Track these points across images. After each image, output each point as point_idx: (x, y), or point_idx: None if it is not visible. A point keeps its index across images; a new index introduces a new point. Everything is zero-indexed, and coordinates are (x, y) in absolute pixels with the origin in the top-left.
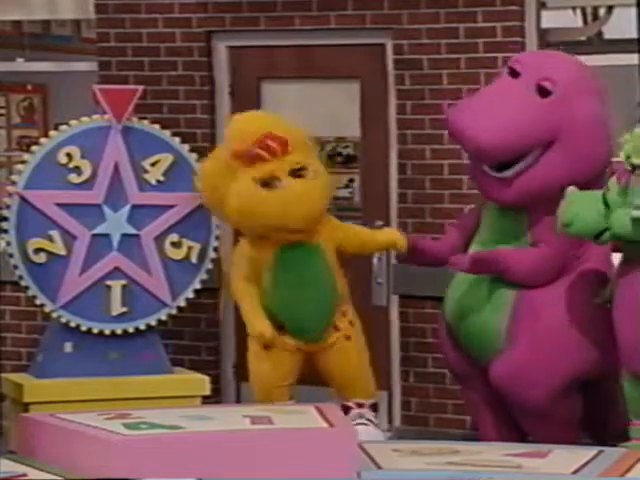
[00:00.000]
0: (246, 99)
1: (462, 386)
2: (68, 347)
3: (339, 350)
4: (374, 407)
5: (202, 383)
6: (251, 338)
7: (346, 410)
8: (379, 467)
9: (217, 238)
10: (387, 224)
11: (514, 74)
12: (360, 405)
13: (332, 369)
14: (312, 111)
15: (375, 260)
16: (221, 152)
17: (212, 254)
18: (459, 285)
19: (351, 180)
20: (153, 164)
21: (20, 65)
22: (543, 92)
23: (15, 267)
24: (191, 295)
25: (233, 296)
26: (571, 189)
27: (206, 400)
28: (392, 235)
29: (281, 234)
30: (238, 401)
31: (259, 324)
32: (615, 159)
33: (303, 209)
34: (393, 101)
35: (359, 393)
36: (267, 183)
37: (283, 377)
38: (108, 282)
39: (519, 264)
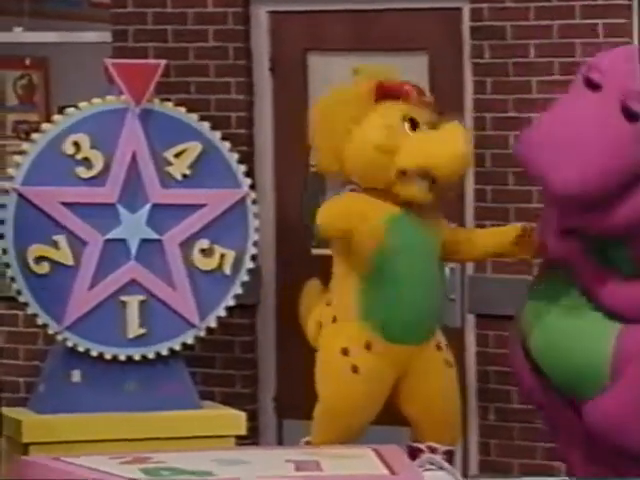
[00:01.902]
0: (290, 75)
1: (548, 424)
2: (76, 376)
3: (436, 374)
4: (449, 455)
5: (236, 420)
6: (327, 351)
7: (414, 454)
8: None
9: (255, 244)
10: (462, 226)
11: (592, 86)
12: (433, 450)
13: (420, 397)
14: None
15: (447, 271)
16: (346, 89)
17: (249, 264)
18: (546, 307)
19: None
20: (178, 155)
21: (18, 35)
22: (630, 113)
23: (12, 279)
24: (223, 313)
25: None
26: None
27: (241, 441)
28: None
29: (411, 187)
30: (280, 442)
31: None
32: None
33: (450, 151)
34: (469, 78)
35: (440, 434)
36: (415, 124)
37: (372, 406)
38: (124, 297)
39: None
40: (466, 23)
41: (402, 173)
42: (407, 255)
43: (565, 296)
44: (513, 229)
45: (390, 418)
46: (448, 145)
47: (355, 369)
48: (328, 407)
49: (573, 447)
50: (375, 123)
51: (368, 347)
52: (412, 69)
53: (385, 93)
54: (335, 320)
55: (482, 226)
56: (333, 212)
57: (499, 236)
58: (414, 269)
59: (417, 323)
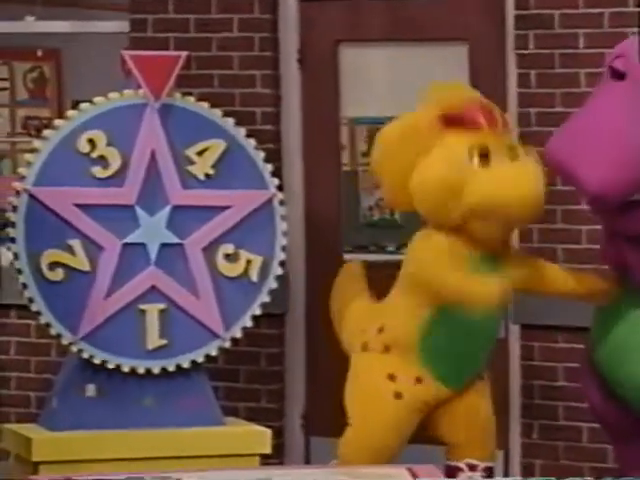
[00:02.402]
0: (320, 68)
1: (616, 443)
2: (90, 390)
3: (474, 391)
4: (489, 472)
5: (261, 437)
6: (370, 374)
7: (452, 473)
8: None
9: (284, 249)
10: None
11: (618, 75)
12: (472, 467)
13: (457, 414)
14: (406, 84)
15: None
16: (411, 117)
17: (277, 270)
18: (611, 319)
19: None
20: (200, 153)
21: (29, 25)
22: None
23: (24, 286)
24: (249, 323)
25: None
26: None
27: (266, 460)
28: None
29: (483, 226)
30: (307, 461)
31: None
32: None
33: (523, 193)
34: (513, 70)
35: (477, 451)
36: (485, 156)
37: (406, 434)
38: (143, 306)
39: None
40: (510, 11)
41: (471, 212)
42: None
43: (631, 306)
44: (590, 280)
45: (421, 437)
46: (518, 186)
47: (398, 395)
48: (362, 430)
49: None
50: (439, 156)
51: (418, 381)
52: (451, 61)
53: (451, 122)
54: (388, 350)
55: (528, 230)
56: (429, 258)
57: (573, 283)
58: (487, 318)
59: (473, 369)
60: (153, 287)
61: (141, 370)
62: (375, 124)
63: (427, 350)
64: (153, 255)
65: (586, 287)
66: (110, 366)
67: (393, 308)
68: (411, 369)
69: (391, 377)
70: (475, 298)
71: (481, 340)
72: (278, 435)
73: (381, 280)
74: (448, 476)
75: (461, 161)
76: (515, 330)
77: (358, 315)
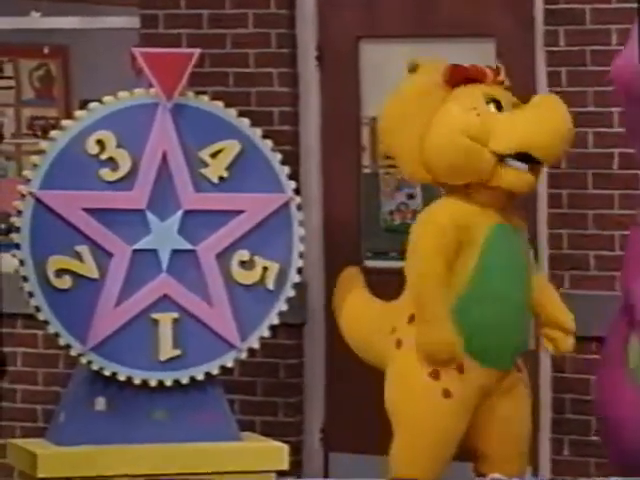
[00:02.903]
0: (340, 66)
1: None
2: (100, 403)
3: (515, 398)
4: None
5: (278, 453)
6: (411, 374)
7: None
8: None
9: (301, 256)
10: (534, 236)
11: None
12: None
13: (496, 422)
14: None
15: None
16: (414, 83)
17: (295, 277)
18: None
19: None
20: (214, 155)
21: (35, 21)
22: None
23: (30, 295)
24: (266, 333)
25: (416, 280)
26: None
27: (284, 477)
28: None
29: (515, 173)
30: (326, 479)
31: (445, 330)
32: None
33: (555, 127)
34: (542, 68)
35: (510, 464)
36: (499, 105)
37: (460, 435)
38: (155, 315)
39: None
40: (539, 6)
41: (499, 159)
42: (506, 273)
43: None
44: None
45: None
46: (547, 121)
47: (447, 394)
48: (414, 437)
49: None
50: (455, 107)
51: (460, 369)
52: (477, 58)
53: (460, 77)
54: None
55: (557, 236)
56: (434, 227)
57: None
58: (512, 287)
59: (512, 345)
60: (165, 295)
61: (153, 382)
62: None
63: (463, 331)
64: (165, 262)
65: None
66: (121, 378)
67: None
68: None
69: (434, 374)
70: (422, 346)
71: (516, 308)
72: (296, 451)
73: (402, 288)
74: None
75: (480, 106)
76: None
77: (379, 315)
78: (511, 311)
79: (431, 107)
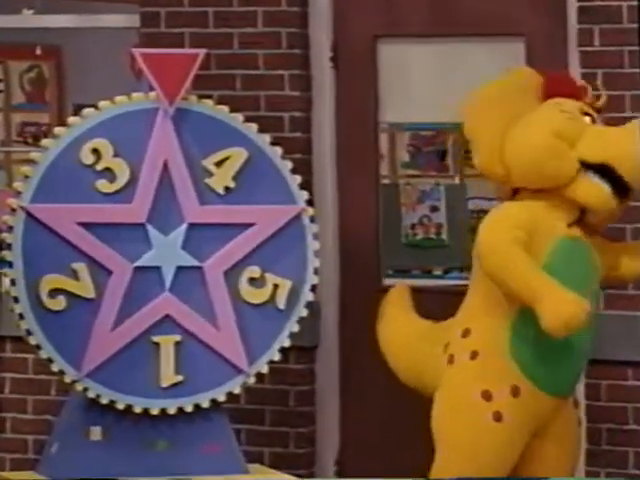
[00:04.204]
0: (356, 67)
1: None
2: (96, 433)
3: (569, 436)
4: None
5: None
6: (463, 393)
7: None
8: None
9: (315, 272)
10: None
11: None
12: None
13: (548, 459)
14: (453, 84)
15: None
16: (511, 78)
17: (308, 296)
18: None
19: None
20: (219, 164)
21: (27, 19)
22: None
23: (21, 317)
24: (276, 357)
25: (496, 269)
26: None
27: None
28: None
29: (594, 186)
30: None
31: (567, 297)
32: None
33: (633, 149)
34: (576, 69)
35: None
36: (593, 120)
37: (511, 461)
38: (156, 337)
39: None
40: (572, 2)
41: (582, 168)
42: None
43: None
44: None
45: None
46: (632, 142)
47: (498, 417)
48: (456, 460)
49: None
50: (551, 110)
51: (515, 392)
52: (505, 59)
53: (556, 90)
54: (476, 356)
55: None
56: (509, 221)
57: None
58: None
59: (571, 371)
60: (167, 316)
61: (155, 410)
62: (418, 130)
63: (520, 349)
64: (168, 280)
65: None
66: (119, 406)
67: (473, 308)
68: (507, 377)
69: (486, 395)
70: (552, 316)
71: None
72: None
73: (427, 308)
74: None
75: (576, 113)
76: None
77: (429, 334)
78: (574, 334)
79: (523, 106)
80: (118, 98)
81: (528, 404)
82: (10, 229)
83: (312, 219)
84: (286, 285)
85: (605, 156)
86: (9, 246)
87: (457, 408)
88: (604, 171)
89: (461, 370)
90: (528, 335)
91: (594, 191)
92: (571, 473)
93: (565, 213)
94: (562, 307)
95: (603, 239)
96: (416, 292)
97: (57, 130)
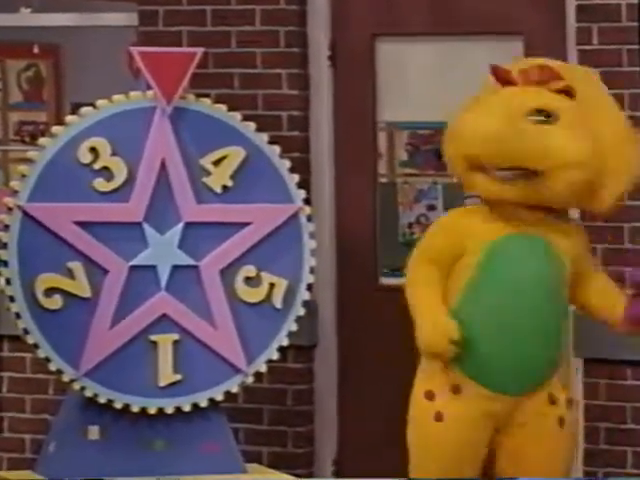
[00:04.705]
0: (354, 66)
1: None
2: (94, 432)
3: (546, 435)
4: None
5: None
6: (415, 393)
7: None
8: None
9: (312, 271)
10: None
11: None
12: None
13: (525, 461)
14: (453, 83)
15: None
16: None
17: (304, 295)
18: None
19: None
20: (217, 162)
21: (24, 17)
22: None
23: (18, 316)
24: (274, 356)
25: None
26: None
27: None
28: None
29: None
30: None
31: (437, 326)
32: None
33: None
34: None
35: None
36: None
37: (465, 456)
38: (153, 337)
39: None
40: (570, 1)
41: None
42: (508, 290)
43: None
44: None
45: None
46: (475, 121)
47: (439, 417)
48: (416, 462)
49: None
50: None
51: (455, 391)
52: (504, 58)
53: (500, 79)
54: (421, 356)
55: (592, 250)
56: (436, 229)
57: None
58: (514, 306)
59: (516, 370)
60: (164, 315)
61: (152, 410)
62: (416, 129)
63: (459, 350)
64: (164, 279)
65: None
66: (117, 405)
67: None
68: (447, 378)
69: (429, 395)
70: (420, 341)
71: (522, 332)
72: None
73: None
74: None
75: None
76: (577, 365)
77: None
78: (512, 333)
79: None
80: (116, 97)
81: (472, 403)
82: (6, 228)
83: (309, 218)
84: (282, 284)
85: (466, 148)
86: (5, 245)
87: (410, 410)
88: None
89: (417, 373)
90: (469, 335)
91: (480, 185)
92: (560, 474)
93: (510, 210)
94: (426, 335)
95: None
96: None
97: (54, 129)
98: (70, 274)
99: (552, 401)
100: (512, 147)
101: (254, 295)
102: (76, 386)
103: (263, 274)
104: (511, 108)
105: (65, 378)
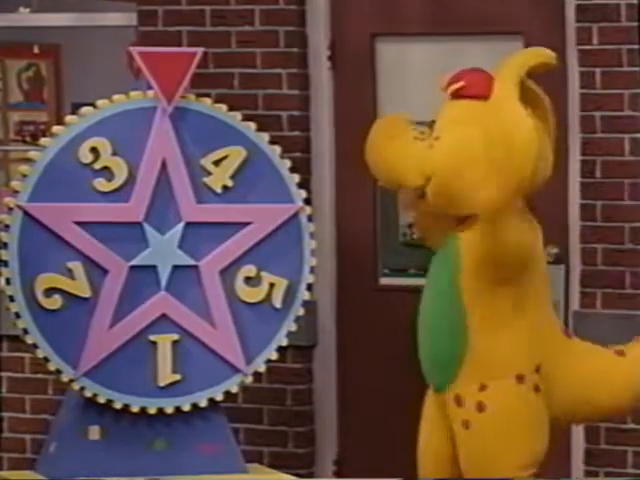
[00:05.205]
0: (354, 66)
1: None
2: (94, 432)
3: (455, 436)
4: None
5: None
6: None
7: None
8: None
9: (312, 271)
10: (564, 251)
11: None
12: None
13: (444, 461)
14: None
15: None
16: None
17: (304, 295)
18: None
19: None
20: (217, 162)
21: (24, 17)
22: None
23: (18, 316)
24: (273, 356)
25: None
26: None
27: None
28: None
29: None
30: None
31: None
32: None
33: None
34: (574, 68)
35: None
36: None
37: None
38: (153, 336)
39: None
40: (570, 1)
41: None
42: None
43: None
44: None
45: None
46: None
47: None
48: None
49: None
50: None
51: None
52: (504, 57)
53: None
54: None
55: (590, 251)
56: None
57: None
58: (419, 307)
59: (425, 368)
60: (164, 315)
61: (152, 410)
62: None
63: None
64: (164, 279)
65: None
66: (117, 406)
67: None
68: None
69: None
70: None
71: (421, 327)
72: None
73: None
74: None
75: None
76: None
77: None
78: (418, 331)
79: None
80: (116, 97)
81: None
82: (7, 228)
83: (309, 218)
84: (282, 284)
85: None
86: (5, 245)
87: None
88: None
89: None
90: None
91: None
92: (469, 474)
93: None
94: None
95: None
96: (413, 291)
97: (55, 129)
98: (70, 274)
99: (458, 402)
100: None
101: (254, 295)
102: (75, 386)
103: (263, 274)
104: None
105: (64, 378)
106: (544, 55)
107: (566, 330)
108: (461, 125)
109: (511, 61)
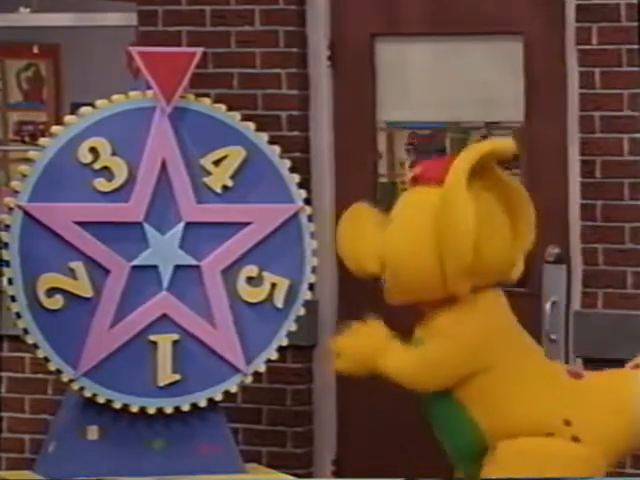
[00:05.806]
0: (354, 66)
1: None
2: (93, 432)
3: None
4: None
5: None
6: None
7: None
8: None
9: (313, 271)
10: (565, 251)
11: None
12: None
13: None
14: (451, 83)
15: (547, 306)
16: None
17: (305, 295)
18: None
19: None
20: (217, 162)
21: (24, 17)
22: None
23: (18, 315)
24: (274, 356)
25: None
26: None
27: None
28: None
29: None
30: None
31: None
32: None
33: None
34: (574, 68)
35: None
36: None
37: None
38: (153, 336)
39: None
40: (570, 1)
41: None
42: None
43: None
44: None
45: None
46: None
47: None
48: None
49: None
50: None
51: None
52: (503, 58)
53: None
54: None
55: (591, 251)
56: None
57: None
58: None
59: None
60: (165, 315)
61: (151, 410)
62: (417, 129)
63: None
64: (165, 279)
65: None
66: (116, 405)
67: None
68: None
69: None
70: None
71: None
72: None
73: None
74: None
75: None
76: (577, 365)
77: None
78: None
79: None
80: (115, 97)
81: None
82: (7, 228)
83: (309, 218)
84: (284, 284)
85: None
86: (6, 245)
87: None
88: None
89: None
90: None
91: None
92: None
93: None
94: None
95: None
96: None
97: (54, 129)
98: (71, 274)
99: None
100: None
101: (255, 295)
102: (75, 386)
103: (265, 274)
104: None
105: (64, 378)
106: (501, 144)
107: (573, 371)
108: (414, 210)
109: (468, 150)
